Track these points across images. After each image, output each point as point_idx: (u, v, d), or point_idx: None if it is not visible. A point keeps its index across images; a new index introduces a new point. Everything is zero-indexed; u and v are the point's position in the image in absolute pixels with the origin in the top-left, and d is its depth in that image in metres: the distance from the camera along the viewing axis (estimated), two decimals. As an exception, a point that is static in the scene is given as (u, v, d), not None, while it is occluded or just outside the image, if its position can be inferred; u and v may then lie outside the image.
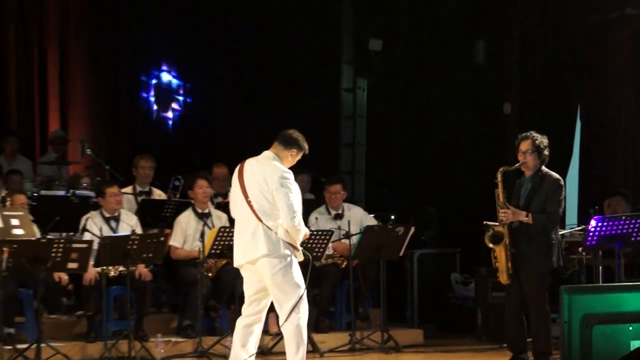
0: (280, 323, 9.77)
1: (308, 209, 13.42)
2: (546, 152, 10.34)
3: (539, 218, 10.06)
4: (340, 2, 17.15)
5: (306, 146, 9.98)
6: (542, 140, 10.29)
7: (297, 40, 16.74)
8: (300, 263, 9.85)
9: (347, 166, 16.91)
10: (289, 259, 9.68)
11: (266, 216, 9.63)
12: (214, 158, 14.04)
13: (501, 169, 10.42)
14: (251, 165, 9.81)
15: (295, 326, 9.67)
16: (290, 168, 10.24)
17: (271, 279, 9.62)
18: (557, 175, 10.37)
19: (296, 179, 10.09)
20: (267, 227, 9.64)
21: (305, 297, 9.69)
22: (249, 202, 9.72)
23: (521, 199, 10.30)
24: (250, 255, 9.63)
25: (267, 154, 9.88)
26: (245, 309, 9.78)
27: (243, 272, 9.86)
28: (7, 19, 16.75)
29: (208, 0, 17.02)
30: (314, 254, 12.47)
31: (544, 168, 10.33)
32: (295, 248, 9.71)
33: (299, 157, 10.00)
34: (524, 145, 10.27)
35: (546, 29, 15.09)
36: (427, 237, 14.76)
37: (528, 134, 10.40)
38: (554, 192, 10.23)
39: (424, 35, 16.22)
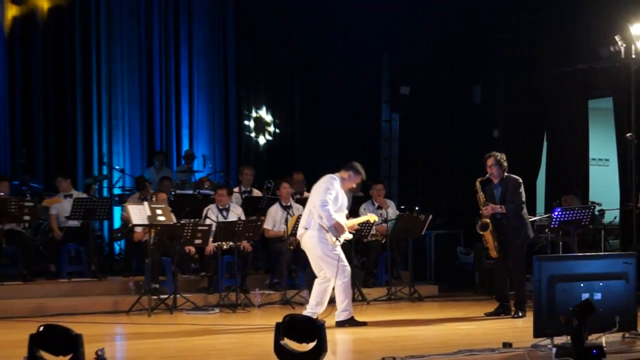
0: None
1: (358, 202, 13.93)
2: (505, 164, 10.57)
3: (510, 207, 10.42)
4: (381, 61, 17.06)
5: (361, 171, 9.90)
6: (501, 156, 10.52)
7: (351, 87, 16.66)
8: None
9: (385, 173, 17.05)
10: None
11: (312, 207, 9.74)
12: (293, 168, 14.13)
13: (478, 180, 10.42)
14: (322, 179, 9.83)
15: (340, 285, 9.56)
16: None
17: (312, 250, 9.71)
18: (517, 177, 10.64)
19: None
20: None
21: (344, 266, 9.63)
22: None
23: (496, 199, 10.20)
24: (299, 231, 9.92)
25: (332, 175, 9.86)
26: (315, 270, 9.81)
27: None
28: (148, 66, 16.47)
29: (287, 64, 16.75)
30: (363, 233, 13.01)
31: (506, 174, 10.19)
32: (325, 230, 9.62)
33: (357, 180, 9.95)
34: (489, 162, 10.53)
35: (522, 78, 14.93)
36: (441, 222, 14.91)
37: (491, 153, 10.77)
38: (515, 188, 10.20)
39: (438, 83, 16.14)
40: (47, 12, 15.89)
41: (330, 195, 9.56)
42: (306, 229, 9.68)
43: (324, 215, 9.52)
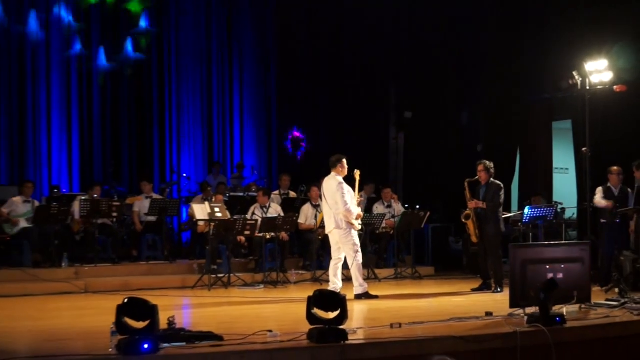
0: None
1: (372, 202, 14.00)
2: (492, 170, 10.51)
3: (490, 205, 10.44)
4: (389, 91, 17.07)
5: (341, 157, 9.93)
6: (490, 164, 10.51)
7: (366, 111, 16.69)
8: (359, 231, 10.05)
9: (393, 179, 16.89)
10: (347, 229, 9.72)
11: (334, 207, 9.64)
12: (321, 175, 13.92)
13: (466, 180, 10.51)
14: (325, 180, 9.95)
15: (355, 266, 9.66)
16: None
17: (339, 241, 9.71)
18: (499, 183, 10.48)
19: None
20: (335, 213, 9.69)
21: (359, 251, 9.80)
22: (325, 200, 9.88)
23: (480, 197, 10.15)
24: (328, 228, 9.83)
25: (331, 175, 9.93)
26: (333, 254, 9.83)
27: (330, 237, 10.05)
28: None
29: (315, 94, 16.81)
30: (375, 226, 13.08)
31: (491, 179, 10.13)
32: (351, 223, 9.73)
33: (344, 164, 9.87)
34: (480, 167, 10.55)
35: (499, 105, 14.90)
36: (436, 218, 14.63)
37: (482, 161, 10.68)
38: (496, 191, 10.15)
39: (434, 109, 16.05)
40: (124, 63, 15.99)
41: (345, 195, 9.63)
42: (337, 227, 9.66)
43: (349, 215, 9.59)
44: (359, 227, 9.91)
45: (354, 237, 9.73)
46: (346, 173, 9.97)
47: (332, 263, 9.89)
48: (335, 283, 9.72)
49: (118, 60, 15.96)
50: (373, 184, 14.48)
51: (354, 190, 9.99)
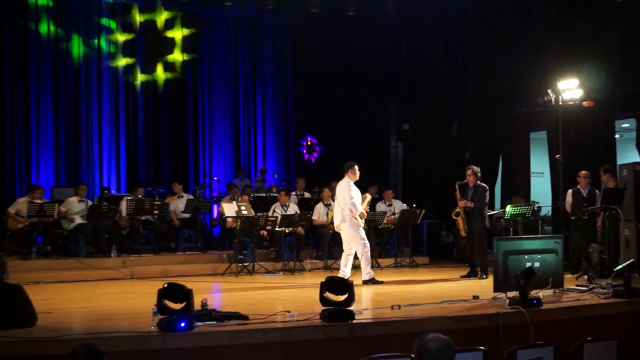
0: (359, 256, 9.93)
1: (375, 202, 13.78)
2: (479, 174, 10.55)
3: (476, 204, 10.48)
4: (390, 107, 17.12)
5: (353, 164, 10.04)
6: (477, 169, 10.49)
7: (370, 124, 16.78)
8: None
9: (393, 182, 16.79)
10: (353, 224, 9.79)
11: (342, 203, 9.76)
12: (331, 178, 13.96)
13: (457, 183, 10.48)
14: (338, 183, 10.02)
15: (364, 257, 9.78)
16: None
17: (349, 236, 9.78)
18: (484, 184, 10.58)
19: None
20: (342, 207, 9.78)
21: (367, 245, 9.87)
22: (336, 199, 9.96)
23: (469, 197, 10.10)
24: (336, 222, 9.95)
25: (344, 178, 10.02)
26: (345, 248, 9.94)
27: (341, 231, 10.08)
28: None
29: (327, 108, 16.83)
30: (378, 222, 12.98)
31: (478, 182, 10.12)
32: (355, 219, 9.79)
33: (356, 170, 9.95)
34: (468, 172, 10.53)
35: (485, 118, 14.90)
36: (431, 215, 14.55)
37: (470, 166, 10.74)
38: (482, 192, 10.16)
39: (429, 121, 16.00)
40: (164, 82, 16.16)
41: (352, 194, 9.71)
42: (343, 221, 9.76)
43: (354, 209, 9.66)
44: (362, 224, 9.86)
45: (361, 233, 9.78)
46: (357, 178, 10.00)
47: (343, 255, 9.96)
48: (344, 272, 9.76)
49: (159, 80, 16.04)
50: (376, 185, 14.39)
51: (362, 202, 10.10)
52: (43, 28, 14.97)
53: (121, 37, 15.71)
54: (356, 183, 10.11)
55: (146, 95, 15.90)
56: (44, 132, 14.86)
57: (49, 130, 14.92)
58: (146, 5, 15.90)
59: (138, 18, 15.86)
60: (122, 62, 15.72)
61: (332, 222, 11.91)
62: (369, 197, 10.78)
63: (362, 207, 9.91)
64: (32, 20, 14.82)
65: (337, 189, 10.00)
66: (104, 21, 15.60)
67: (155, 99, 15.98)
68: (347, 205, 9.65)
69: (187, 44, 16.28)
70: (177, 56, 16.22)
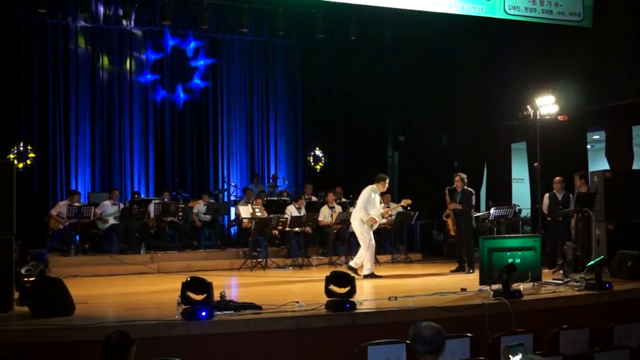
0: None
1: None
2: (466, 180, 10.51)
3: (464, 207, 10.49)
4: (387, 120, 17.08)
5: (385, 177, 10.01)
6: (464, 176, 10.46)
7: (369, 135, 16.77)
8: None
9: (391, 186, 16.62)
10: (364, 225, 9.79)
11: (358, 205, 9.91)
12: (335, 184, 13.99)
13: (446, 188, 10.48)
14: (365, 188, 9.98)
15: (368, 254, 9.84)
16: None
17: (357, 232, 9.83)
18: (471, 189, 10.57)
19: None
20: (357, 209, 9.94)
21: (373, 244, 9.92)
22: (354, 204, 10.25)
23: (457, 201, 10.06)
24: (351, 220, 10.14)
25: (372, 185, 9.94)
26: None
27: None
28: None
29: (332, 122, 16.87)
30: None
31: (465, 187, 10.10)
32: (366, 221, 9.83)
33: (386, 184, 9.92)
34: (456, 178, 10.58)
35: (471, 130, 14.99)
36: (423, 216, 14.53)
37: (458, 173, 10.72)
38: (469, 196, 10.11)
39: (421, 133, 16.01)
40: (187, 102, 15.96)
41: (367, 200, 9.70)
42: (353, 219, 9.95)
43: (363, 214, 9.71)
44: (370, 226, 9.84)
45: (369, 234, 9.81)
46: (385, 189, 10.00)
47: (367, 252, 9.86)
48: (368, 268, 9.72)
49: (184, 96, 16.03)
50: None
51: (387, 206, 10.08)
52: (81, 48, 14.79)
53: (150, 57, 15.59)
54: (359, 187, 10.07)
55: (172, 111, 15.86)
56: (82, 143, 14.78)
57: (87, 141, 14.84)
58: (176, 32, 15.81)
59: (169, 42, 15.80)
60: (150, 80, 15.65)
61: (336, 223, 12.14)
62: (396, 205, 11.05)
63: (376, 213, 9.80)
64: (71, 42, 14.77)
65: (362, 192, 9.94)
66: (136, 42, 15.43)
67: (179, 115, 15.81)
68: (360, 207, 9.75)
69: (209, 72, 16.05)
70: (197, 81, 16.11)
